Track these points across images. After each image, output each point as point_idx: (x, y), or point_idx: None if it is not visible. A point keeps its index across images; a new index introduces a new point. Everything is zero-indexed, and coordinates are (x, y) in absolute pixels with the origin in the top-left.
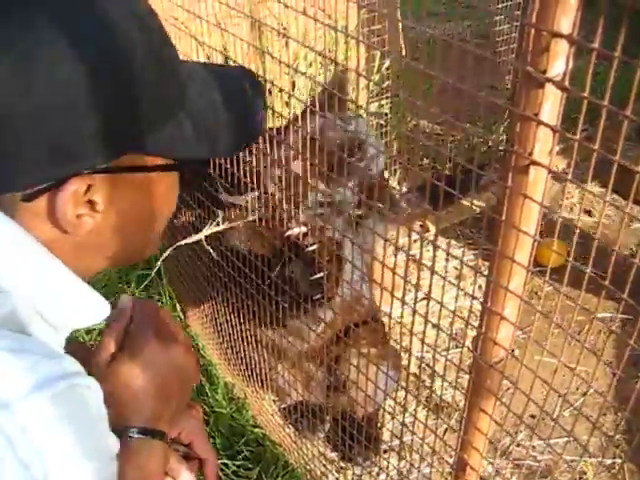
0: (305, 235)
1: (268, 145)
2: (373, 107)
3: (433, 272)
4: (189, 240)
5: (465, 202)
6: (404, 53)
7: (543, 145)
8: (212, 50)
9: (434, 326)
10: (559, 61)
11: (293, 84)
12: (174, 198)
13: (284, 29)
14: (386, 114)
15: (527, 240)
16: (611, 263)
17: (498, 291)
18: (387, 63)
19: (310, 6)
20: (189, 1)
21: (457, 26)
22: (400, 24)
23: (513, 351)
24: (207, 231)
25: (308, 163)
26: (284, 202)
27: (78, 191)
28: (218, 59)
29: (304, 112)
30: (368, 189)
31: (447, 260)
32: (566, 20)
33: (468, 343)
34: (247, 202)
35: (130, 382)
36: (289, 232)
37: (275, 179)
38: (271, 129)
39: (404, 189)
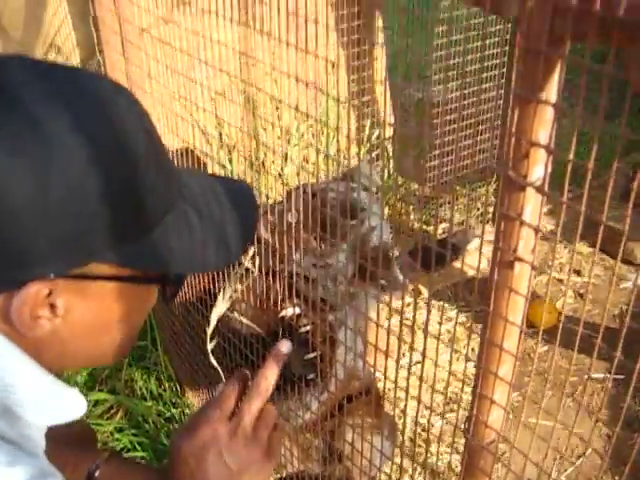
0: (299, 316)
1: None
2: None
3: (427, 335)
4: (214, 318)
5: (457, 264)
6: (393, 119)
7: (526, 243)
8: (207, 123)
9: (430, 387)
10: (538, 167)
11: (286, 155)
12: (149, 307)
13: (279, 101)
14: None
15: (517, 323)
16: (602, 322)
17: (488, 377)
18: (377, 132)
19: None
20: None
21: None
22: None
23: (512, 415)
24: (225, 303)
25: (303, 222)
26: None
27: (39, 294)
28: (212, 132)
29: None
30: (366, 259)
31: (440, 323)
32: (543, 131)
33: (463, 410)
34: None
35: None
36: (283, 313)
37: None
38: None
39: (396, 253)
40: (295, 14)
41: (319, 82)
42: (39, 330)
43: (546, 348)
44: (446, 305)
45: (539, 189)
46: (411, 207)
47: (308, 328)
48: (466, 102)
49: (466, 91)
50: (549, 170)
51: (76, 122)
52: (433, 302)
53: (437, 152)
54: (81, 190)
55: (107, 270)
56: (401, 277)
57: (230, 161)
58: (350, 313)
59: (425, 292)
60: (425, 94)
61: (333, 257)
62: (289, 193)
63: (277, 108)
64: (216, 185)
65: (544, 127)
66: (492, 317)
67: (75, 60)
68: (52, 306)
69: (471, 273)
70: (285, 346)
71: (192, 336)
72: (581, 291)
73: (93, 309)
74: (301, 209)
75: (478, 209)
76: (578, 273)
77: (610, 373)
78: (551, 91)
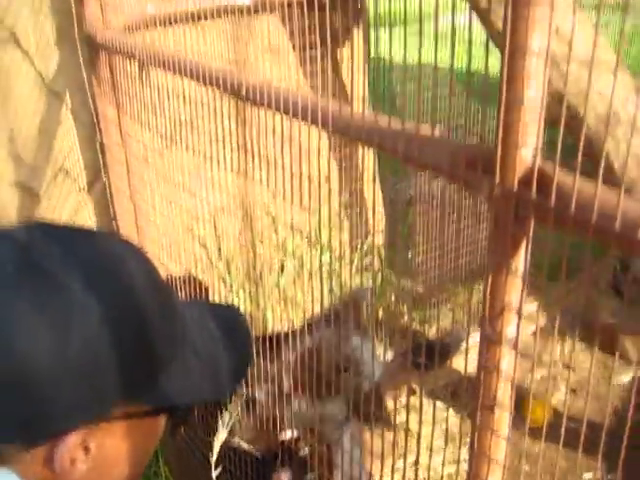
0: (297, 440)
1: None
2: (357, 281)
3: (419, 439)
4: (217, 445)
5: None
6: (385, 220)
7: (504, 392)
8: (207, 239)
9: None
10: (511, 327)
11: (282, 266)
12: (160, 433)
13: (273, 217)
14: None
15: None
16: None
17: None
18: (369, 239)
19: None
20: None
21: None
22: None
23: None
24: (226, 429)
25: (299, 378)
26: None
27: (76, 441)
28: (212, 247)
29: (302, 326)
30: (357, 401)
31: (433, 425)
32: (515, 295)
33: None
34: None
35: None
36: (281, 437)
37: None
38: (266, 336)
39: (390, 354)
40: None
41: (314, 194)
42: (77, 473)
43: (540, 446)
44: (440, 405)
45: (513, 346)
46: (405, 306)
47: (306, 451)
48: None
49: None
50: (520, 332)
51: (89, 281)
52: (428, 401)
53: (428, 251)
54: (97, 344)
55: (127, 410)
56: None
57: (229, 273)
58: (346, 432)
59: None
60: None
61: (328, 407)
62: (279, 345)
63: (273, 221)
64: (209, 320)
65: (515, 292)
66: (477, 454)
67: (82, 182)
68: (86, 449)
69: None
70: (286, 476)
71: (194, 450)
72: (574, 387)
73: (121, 445)
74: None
75: (470, 308)
76: (571, 368)
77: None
78: (519, 262)
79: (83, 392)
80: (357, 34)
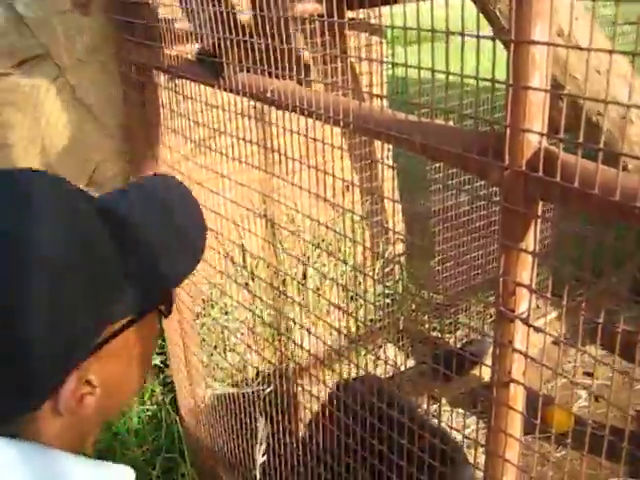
0: None
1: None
2: (379, 289)
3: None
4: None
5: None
6: (405, 231)
7: (519, 366)
8: (231, 243)
9: None
10: (524, 302)
11: (304, 274)
12: (155, 330)
13: (297, 226)
14: (392, 295)
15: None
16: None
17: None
18: (390, 249)
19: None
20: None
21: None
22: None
23: None
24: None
25: None
26: None
27: (78, 377)
28: (236, 251)
29: None
30: None
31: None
32: (526, 273)
33: None
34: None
35: None
36: None
37: None
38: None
39: (412, 362)
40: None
41: (336, 202)
42: (88, 408)
43: (563, 452)
44: (463, 411)
45: (524, 321)
46: (426, 316)
47: None
48: (474, 215)
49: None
50: (532, 305)
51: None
52: (450, 409)
53: (448, 262)
54: (71, 276)
55: (122, 321)
56: None
57: (253, 279)
58: None
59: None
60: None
61: None
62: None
63: (295, 232)
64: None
65: (526, 269)
66: (493, 431)
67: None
68: (88, 382)
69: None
70: None
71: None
72: (595, 393)
73: (120, 361)
74: None
75: (491, 315)
76: (591, 375)
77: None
78: (530, 241)
79: (70, 330)
80: (376, 48)
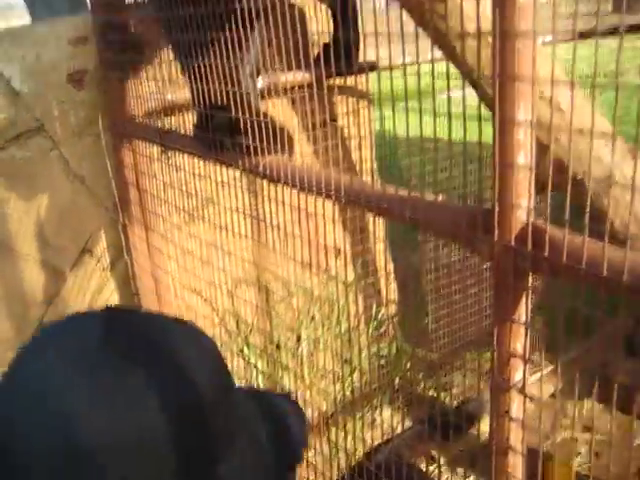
0: None
1: None
2: (373, 349)
3: None
4: None
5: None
6: (397, 291)
7: (515, 435)
8: (225, 313)
9: None
10: (518, 372)
11: (298, 337)
12: None
13: (289, 291)
14: (385, 356)
15: None
16: None
17: None
18: (382, 310)
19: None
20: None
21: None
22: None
23: None
24: None
25: None
26: None
27: None
28: (230, 320)
29: None
30: None
31: None
32: (519, 344)
33: None
34: None
35: None
36: None
37: None
38: None
39: (409, 423)
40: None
41: (327, 268)
42: None
43: None
44: (459, 471)
45: (520, 390)
46: (421, 375)
47: None
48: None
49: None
50: (528, 377)
51: (153, 370)
52: (446, 469)
53: (441, 320)
54: (155, 434)
55: None
56: None
57: (247, 345)
58: None
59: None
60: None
61: None
62: None
63: (288, 294)
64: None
65: (520, 341)
66: None
67: (105, 261)
68: None
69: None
70: None
71: None
72: (595, 449)
73: None
74: None
75: (486, 373)
76: (590, 430)
77: None
78: (522, 312)
79: None
80: (363, 112)
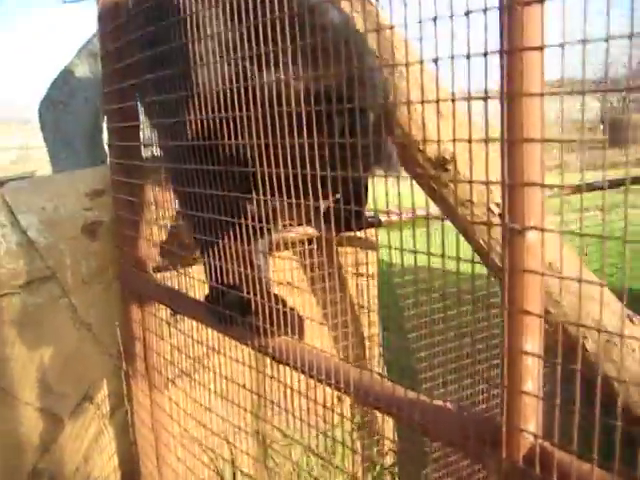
0: None
1: None
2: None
3: None
4: None
5: None
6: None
7: None
8: (222, 460)
9: None
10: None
11: None
12: None
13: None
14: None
15: None
16: None
17: None
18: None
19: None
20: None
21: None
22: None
23: None
24: None
25: None
26: None
27: None
28: (227, 469)
29: None
30: None
31: None
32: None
33: None
34: None
35: None
36: None
37: None
38: None
39: None
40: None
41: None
42: None
43: None
44: None
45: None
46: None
47: None
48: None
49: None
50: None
51: None
52: None
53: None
54: None
55: None
56: None
57: None
58: None
59: None
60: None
61: None
62: None
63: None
64: None
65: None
66: None
67: (105, 409)
68: None
69: None
70: None
71: None
72: None
73: None
74: None
75: None
76: None
77: None
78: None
79: None
80: (369, 265)
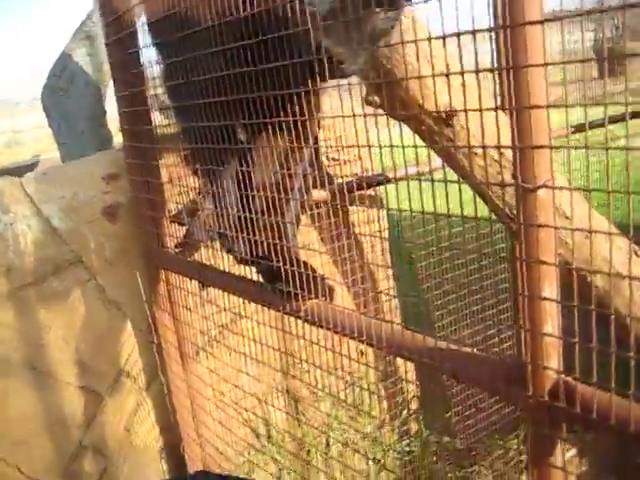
0: None
1: None
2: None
3: None
4: None
5: None
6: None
7: None
8: (256, 418)
9: None
10: None
11: (327, 442)
12: None
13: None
14: (414, 451)
15: None
16: None
17: None
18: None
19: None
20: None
21: None
22: None
23: None
24: None
25: None
26: None
27: None
28: (261, 427)
29: None
30: None
31: None
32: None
33: None
34: None
35: None
36: None
37: None
38: None
39: None
40: None
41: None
42: None
43: None
44: None
45: None
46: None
47: None
48: None
49: None
50: None
51: None
52: None
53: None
54: None
55: None
56: None
57: (279, 452)
58: None
59: None
60: None
61: None
62: None
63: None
64: None
65: None
66: None
67: (141, 382)
68: None
69: None
70: None
71: None
72: None
73: None
74: None
75: (512, 459)
76: None
77: None
78: (558, 458)
79: None
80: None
